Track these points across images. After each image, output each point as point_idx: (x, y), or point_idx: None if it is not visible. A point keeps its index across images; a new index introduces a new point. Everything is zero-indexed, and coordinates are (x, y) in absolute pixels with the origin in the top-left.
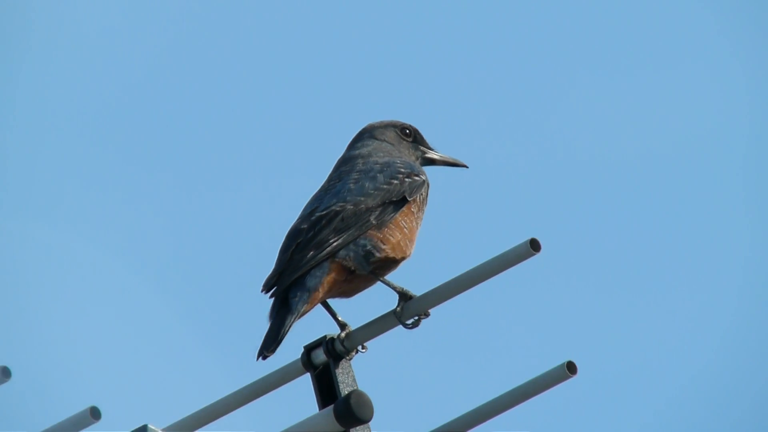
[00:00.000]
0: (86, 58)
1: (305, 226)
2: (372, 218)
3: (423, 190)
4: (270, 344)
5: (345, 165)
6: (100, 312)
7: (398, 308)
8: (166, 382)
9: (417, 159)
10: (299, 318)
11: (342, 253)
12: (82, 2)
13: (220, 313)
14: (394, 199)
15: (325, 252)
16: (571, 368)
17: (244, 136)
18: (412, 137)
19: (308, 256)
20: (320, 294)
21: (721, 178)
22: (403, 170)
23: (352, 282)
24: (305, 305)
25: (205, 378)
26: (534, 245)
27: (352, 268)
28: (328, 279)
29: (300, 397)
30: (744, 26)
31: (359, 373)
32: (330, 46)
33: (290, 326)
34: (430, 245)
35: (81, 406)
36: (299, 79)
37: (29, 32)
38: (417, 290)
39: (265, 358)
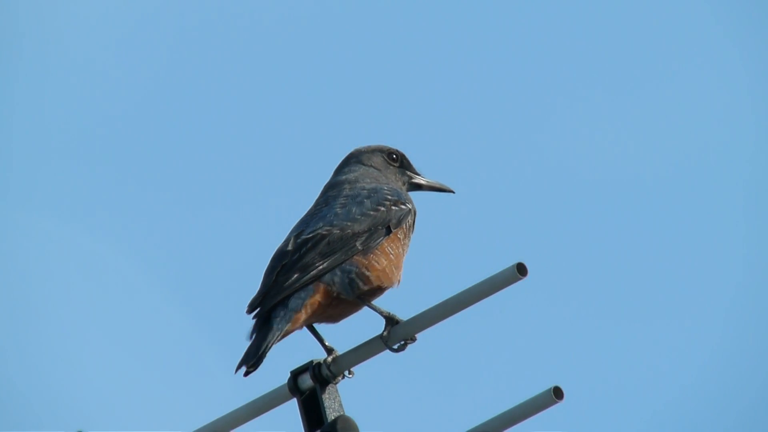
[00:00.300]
0: (94, 54)
1: (291, 248)
2: (358, 244)
3: (409, 219)
4: (250, 358)
5: (332, 190)
6: (100, 305)
7: (385, 332)
8: (157, 405)
9: (404, 184)
10: (281, 338)
11: (327, 277)
12: (88, 3)
13: (216, 332)
14: (380, 228)
15: (309, 275)
16: (557, 393)
17: (240, 150)
18: (399, 162)
19: (293, 278)
20: (303, 315)
21: (709, 192)
22: (390, 197)
23: (337, 306)
24: (287, 324)
25: (195, 398)
26: (521, 270)
27: (336, 293)
28: (312, 301)
29: (287, 422)
30: (741, 38)
31: (346, 398)
32: (317, 69)
33: (272, 344)
34: (417, 270)
35: (76, 405)
36: (290, 102)
37: (39, 28)
38: (404, 314)
39: (247, 374)
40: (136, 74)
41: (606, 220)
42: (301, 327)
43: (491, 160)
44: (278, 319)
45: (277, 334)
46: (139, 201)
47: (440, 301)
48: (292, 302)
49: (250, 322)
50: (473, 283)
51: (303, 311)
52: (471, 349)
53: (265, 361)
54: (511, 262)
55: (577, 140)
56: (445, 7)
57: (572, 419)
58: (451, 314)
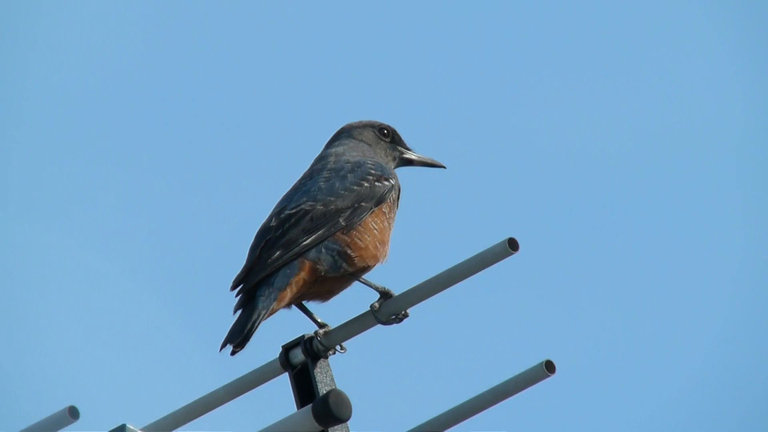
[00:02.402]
0: (81, 65)
1: (274, 223)
2: (341, 220)
3: (393, 194)
4: (236, 337)
5: (318, 163)
6: (91, 312)
7: (376, 303)
8: (149, 380)
9: (394, 159)
10: (268, 316)
11: (313, 254)
12: (79, 8)
13: (204, 311)
14: (363, 203)
15: (292, 252)
16: (549, 367)
17: (226, 135)
18: (390, 138)
19: (276, 255)
20: (288, 294)
21: (708, 173)
22: (373, 172)
23: (324, 283)
24: (273, 303)
25: (187, 376)
26: (512, 244)
27: (323, 272)
28: (297, 279)
29: (278, 396)
30: (728, 26)
31: (337, 372)
32: (308, 47)
33: (258, 322)
34: (408, 245)
35: (69, 404)
36: (280, 79)
37: (29, 36)
38: (395, 290)
39: (233, 353)
40: (121, 84)
41: (599, 194)
42: (288, 305)
43: (484, 134)
44: (263, 297)
45: (263, 312)
46: (123, 206)
47: (432, 276)
48: (278, 280)
49: (235, 301)
50: (465, 258)
51: (288, 289)
52: (463, 324)
53: (255, 334)
54: (502, 236)
55: (567, 112)
56: None
57: (564, 393)
58: (443, 289)
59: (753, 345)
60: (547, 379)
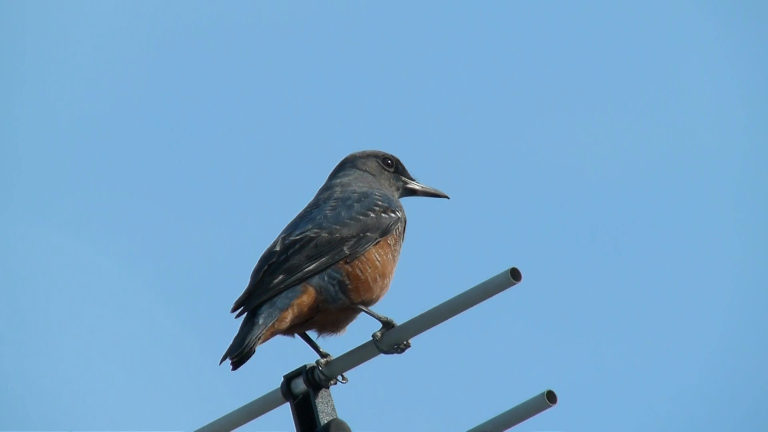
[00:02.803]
0: (81, 65)
1: (278, 249)
2: (345, 248)
3: (399, 227)
4: (234, 350)
5: (324, 192)
6: (91, 313)
7: (378, 333)
8: (150, 382)
9: (398, 189)
10: (269, 335)
11: (315, 280)
12: (76, 11)
13: (206, 318)
14: (369, 233)
15: (295, 277)
16: (551, 397)
17: (234, 153)
18: (394, 167)
19: (278, 279)
20: (290, 314)
21: (701, 192)
22: (380, 203)
23: (329, 314)
24: (274, 321)
25: (188, 378)
26: (515, 275)
27: (322, 301)
28: (299, 302)
29: (280, 426)
30: (728, 34)
31: (339, 402)
32: (312, 74)
33: (257, 338)
34: (411, 274)
35: (72, 410)
36: (284, 106)
37: (29, 37)
38: (398, 319)
39: (234, 368)
40: (120, 81)
41: (599, 223)
42: (289, 328)
43: (485, 166)
44: (264, 315)
45: (263, 328)
46: (126, 205)
47: (434, 305)
48: (279, 301)
49: (239, 323)
50: (467, 288)
51: (290, 310)
52: (465, 354)
53: (258, 362)
54: (504, 266)
55: (569, 144)
56: (438, 12)
57: (566, 423)
58: (446, 319)
59: (748, 369)
60: (549, 409)
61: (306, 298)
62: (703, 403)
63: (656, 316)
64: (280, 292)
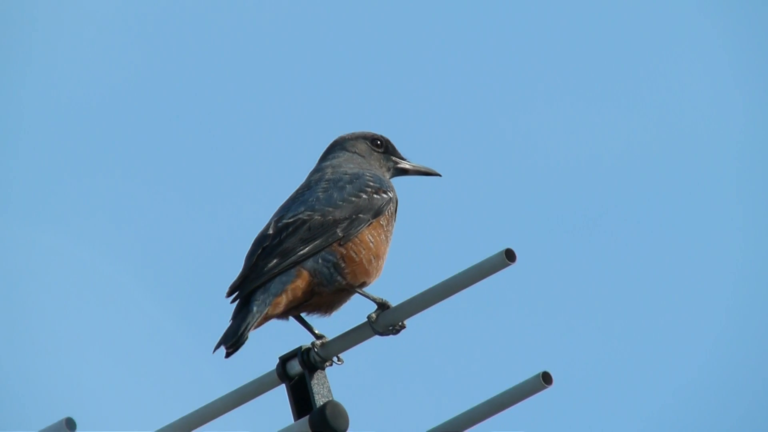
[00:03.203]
0: (76, 64)
1: (271, 232)
2: (339, 230)
3: (390, 207)
4: (228, 339)
5: (315, 174)
6: (92, 314)
7: (373, 314)
8: (149, 384)
9: (389, 170)
10: (262, 321)
11: (310, 264)
12: (70, 15)
13: (203, 315)
14: (361, 215)
15: (289, 261)
16: (546, 379)
17: (226, 142)
18: (384, 148)
19: (272, 263)
20: (284, 300)
21: (704, 183)
22: (371, 184)
23: (324, 296)
24: (267, 308)
25: (188, 379)
26: (509, 255)
27: (317, 284)
28: (293, 286)
29: (275, 408)
30: (724, 26)
31: (334, 384)
32: (303, 55)
33: (251, 326)
34: (405, 255)
35: (70, 407)
36: (272, 89)
37: (28, 35)
38: (392, 301)
39: (227, 355)
40: (117, 83)
41: (596, 203)
42: (283, 313)
43: (480, 145)
44: (258, 302)
45: (257, 316)
46: (117, 200)
47: (429, 286)
48: (273, 286)
49: (232, 307)
50: (462, 269)
51: (284, 295)
52: (460, 335)
53: (252, 346)
54: (499, 247)
55: (568, 123)
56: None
57: (562, 405)
58: (440, 300)
59: (746, 361)
60: (545, 391)
61: (300, 282)
62: (701, 388)
63: (653, 298)
64: (274, 276)
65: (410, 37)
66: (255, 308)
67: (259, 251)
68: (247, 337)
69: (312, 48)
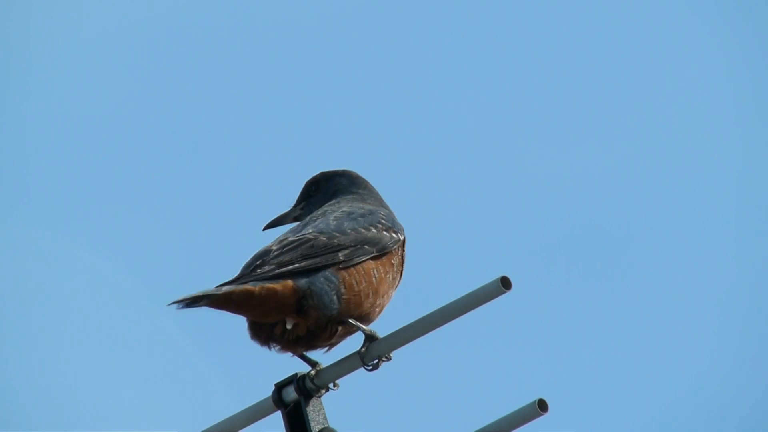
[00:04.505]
0: (77, 69)
1: (275, 247)
2: (341, 254)
3: (400, 250)
4: (187, 296)
5: (333, 205)
6: (91, 314)
7: (363, 349)
8: (149, 385)
9: None
10: (222, 300)
11: (303, 282)
12: (74, 20)
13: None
14: (367, 246)
15: (284, 269)
16: (542, 406)
17: (228, 144)
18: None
19: (267, 269)
20: (255, 290)
21: (692, 195)
22: (383, 221)
23: (311, 319)
24: (237, 287)
25: (188, 379)
26: (505, 283)
27: (313, 305)
28: (270, 286)
29: None
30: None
31: (330, 410)
32: (303, 78)
33: (210, 292)
34: (402, 283)
35: (70, 407)
36: (277, 105)
37: (31, 38)
38: (389, 329)
39: (176, 308)
40: (112, 84)
41: (591, 229)
42: (257, 313)
43: (475, 175)
44: (229, 286)
45: (223, 289)
46: (122, 205)
47: (424, 314)
48: (252, 282)
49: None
50: (457, 297)
51: (258, 288)
52: (456, 363)
53: (248, 373)
54: (493, 276)
55: (558, 152)
56: (424, 14)
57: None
58: (433, 329)
59: (741, 377)
60: (540, 418)
61: (281, 287)
62: (696, 411)
63: (647, 325)
64: (262, 279)
65: (409, 60)
66: (226, 287)
67: (258, 262)
68: (202, 301)
69: (311, 68)
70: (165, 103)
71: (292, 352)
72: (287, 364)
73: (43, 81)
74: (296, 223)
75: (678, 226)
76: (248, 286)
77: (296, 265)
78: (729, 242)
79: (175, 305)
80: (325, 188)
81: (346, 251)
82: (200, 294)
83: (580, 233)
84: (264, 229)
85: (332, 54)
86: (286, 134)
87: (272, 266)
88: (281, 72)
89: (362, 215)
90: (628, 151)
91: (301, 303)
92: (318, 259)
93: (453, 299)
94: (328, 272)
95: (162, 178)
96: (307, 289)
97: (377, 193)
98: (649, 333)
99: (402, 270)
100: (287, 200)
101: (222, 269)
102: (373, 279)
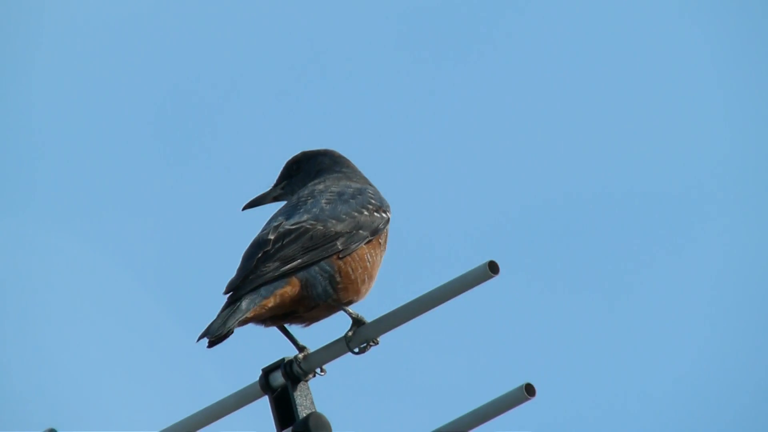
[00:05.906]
0: (80, 63)
1: (272, 236)
2: (339, 243)
3: (387, 228)
4: (212, 332)
5: (318, 185)
6: (92, 314)
7: (350, 333)
8: (150, 385)
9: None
10: (246, 320)
11: (303, 274)
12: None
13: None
14: (361, 231)
15: (289, 267)
16: (529, 390)
17: (228, 144)
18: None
19: (272, 267)
20: (271, 302)
21: (685, 189)
22: (373, 201)
23: (311, 309)
24: (255, 307)
25: (188, 379)
26: (493, 268)
27: (308, 296)
28: (282, 292)
29: (258, 419)
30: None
31: (317, 395)
32: (298, 70)
33: (238, 320)
34: (388, 268)
35: (70, 407)
36: (265, 93)
37: (33, 33)
38: (375, 313)
39: (210, 346)
40: (113, 81)
41: (580, 210)
42: (266, 319)
43: (464, 160)
44: (247, 301)
45: (244, 314)
46: (116, 198)
47: (412, 299)
48: (264, 290)
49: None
50: (445, 281)
51: (272, 299)
52: (444, 347)
53: (235, 357)
54: (482, 260)
55: (552, 140)
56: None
57: (545, 417)
58: (421, 313)
59: (734, 377)
60: (527, 402)
61: (290, 289)
62: (684, 396)
63: (635, 309)
64: (270, 281)
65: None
66: (244, 306)
67: (260, 254)
68: (232, 331)
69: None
70: (166, 104)
71: (271, 324)
72: (274, 350)
73: (43, 81)
74: (281, 203)
75: (668, 216)
76: (263, 302)
77: (299, 261)
78: (718, 234)
79: (205, 339)
80: (307, 167)
81: (344, 238)
82: (227, 330)
83: (569, 217)
84: (243, 209)
85: (312, 34)
86: (260, 114)
87: (276, 263)
88: (257, 55)
89: (352, 195)
90: (623, 146)
91: (304, 294)
92: (317, 251)
93: (441, 283)
94: (323, 262)
95: (159, 176)
96: (308, 282)
97: (360, 172)
98: (637, 318)
99: (385, 245)
100: (264, 180)
101: (220, 264)
102: (367, 264)
